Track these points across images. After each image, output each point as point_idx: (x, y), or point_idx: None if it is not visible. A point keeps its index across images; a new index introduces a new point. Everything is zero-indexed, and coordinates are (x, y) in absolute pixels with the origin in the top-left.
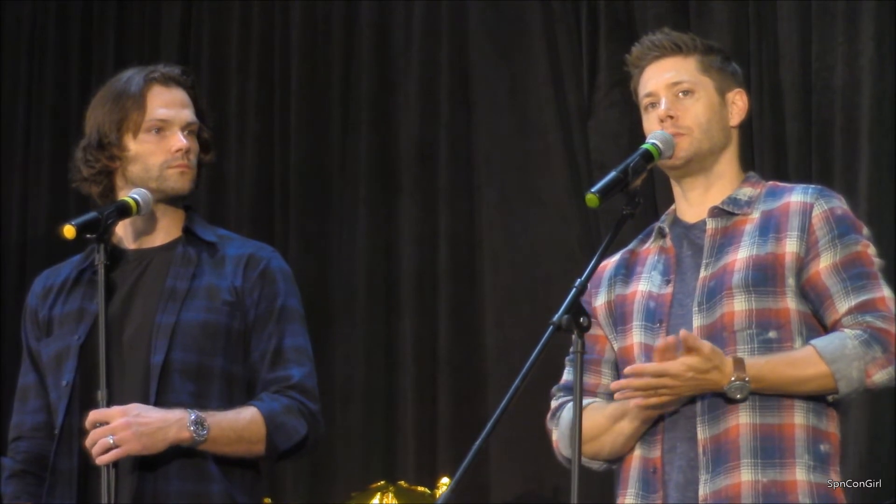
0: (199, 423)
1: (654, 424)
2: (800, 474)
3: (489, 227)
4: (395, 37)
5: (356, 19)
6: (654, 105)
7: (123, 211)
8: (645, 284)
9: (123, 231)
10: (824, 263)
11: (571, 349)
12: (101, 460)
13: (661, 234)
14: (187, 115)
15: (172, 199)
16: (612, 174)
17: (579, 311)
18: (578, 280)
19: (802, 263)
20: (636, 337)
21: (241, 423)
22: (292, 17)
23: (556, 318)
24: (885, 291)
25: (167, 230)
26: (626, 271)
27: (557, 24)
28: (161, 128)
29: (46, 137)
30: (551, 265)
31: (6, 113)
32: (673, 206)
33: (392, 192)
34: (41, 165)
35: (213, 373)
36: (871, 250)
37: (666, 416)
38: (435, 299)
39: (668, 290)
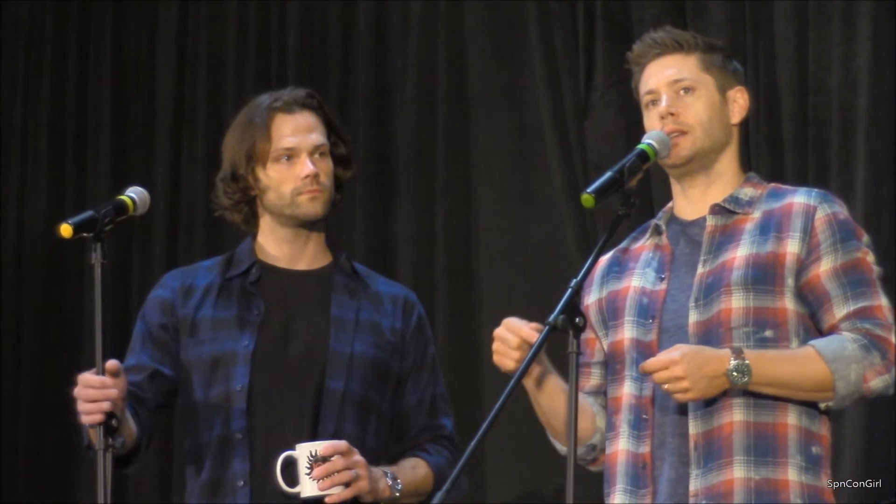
0: (394, 478)
1: (642, 420)
2: (792, 474)
3: (486, 227)
4: (391, 37)
5: (353, 20)
6: (654, 102)
7: (120, 210)
8: (638, 280)
9: (277, 250)
10: (825, 267)
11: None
12: None
13: (657, 231)
14: (314, 138)
15: (310, 224)
16: (608, 174)
17: (575, 312)
18: (574, 280)
19: (802, 265)
20: (627, 332)
21: (418, 477)
22: (289, 18)
23: (551, 318)
24: (883, 300)
25: (314, 255)
26: (619, 268)
27: (554, 24)
28: (289, 155)
29: (44, 137)
30: (548, 265)
31: (3, 113)
32: (670, 204)
33: (389, 192)
34: (38, 165)
35: (372, 408)
36: (871, 258)
37: (655, 412)
38: (432, 300)
39: (662, 286)
